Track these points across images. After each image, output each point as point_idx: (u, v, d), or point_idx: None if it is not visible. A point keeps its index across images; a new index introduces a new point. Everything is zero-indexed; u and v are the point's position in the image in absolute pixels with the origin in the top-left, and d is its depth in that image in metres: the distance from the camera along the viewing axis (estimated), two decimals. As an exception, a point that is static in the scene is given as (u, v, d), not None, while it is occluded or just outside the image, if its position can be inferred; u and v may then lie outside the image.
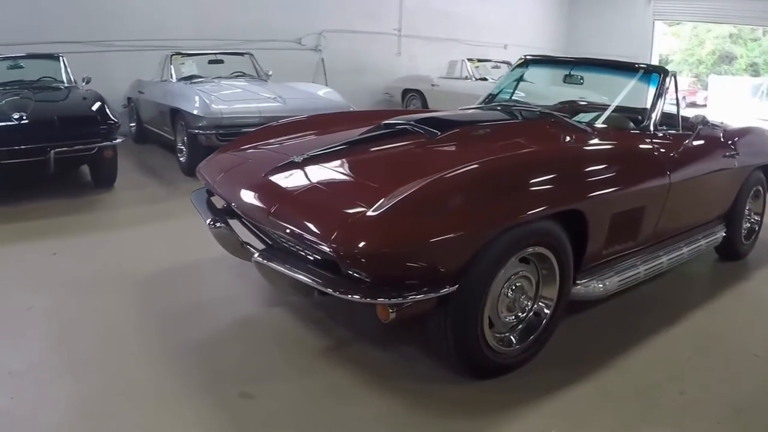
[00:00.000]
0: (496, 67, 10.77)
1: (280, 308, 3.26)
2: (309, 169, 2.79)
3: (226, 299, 3.38)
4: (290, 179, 2.73)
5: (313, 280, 2.32)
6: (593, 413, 2.41)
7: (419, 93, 10.91)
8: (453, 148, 2.86)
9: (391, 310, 2.22)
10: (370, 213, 2.24)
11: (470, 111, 3.84)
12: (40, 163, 5.14)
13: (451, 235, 2.20)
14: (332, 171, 2.74)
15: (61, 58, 6.86)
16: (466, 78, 10.54)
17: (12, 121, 5.05)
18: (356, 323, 3.06)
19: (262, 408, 2.41)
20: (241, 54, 8.04)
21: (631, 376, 2.66)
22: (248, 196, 2.78)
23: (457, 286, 2.26)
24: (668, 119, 3.49)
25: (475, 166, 2.38)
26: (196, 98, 6.15)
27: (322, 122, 3.81)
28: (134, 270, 3.77)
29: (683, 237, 3.49)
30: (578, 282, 2.84)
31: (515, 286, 2.56)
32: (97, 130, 5.40)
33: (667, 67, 3.48)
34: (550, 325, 2.72)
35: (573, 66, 3.80)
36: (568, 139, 3.11)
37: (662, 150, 3.16)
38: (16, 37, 7.89)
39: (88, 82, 6.70)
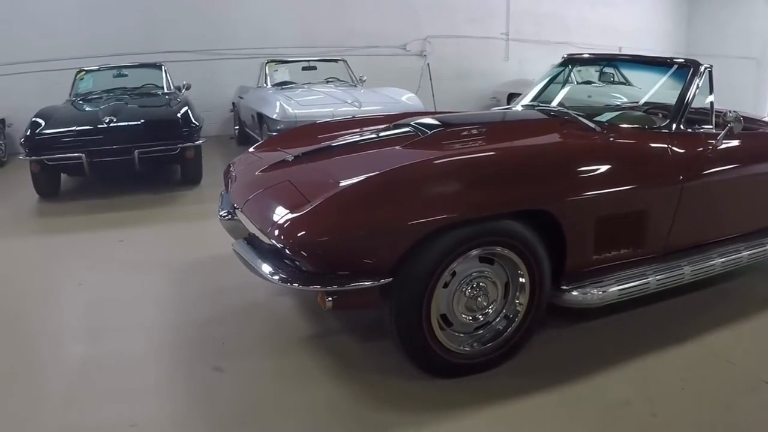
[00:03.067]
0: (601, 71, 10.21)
1: (287, 297, 3.42)
2: (292, 167, 2.91)
3: (244, 286, 3.58)
4: (271, 176, 2.86)
5: (260, 268, 2.43)
6: (543, 425, 2.29)
7: (524, 97, 10.63)
8: (429, 148, 2.83)
9: (328, 299, 2.28)
10: (309, 206, 2.31)
11: (497, 112, 3.76)
12: (126, 162, 5.73)
13: (383, 228, 2.21)
14: (308, 169, 2.85)
15: (162, 66, 7.55)
16: (570, 82, 10.09)
17: (102, 124, 5.73)
18: (348, 316, 3.13)
19: (225, 381, 2.62)
20: (335, 60, 8.33)
21: (603, 391, 2.48)
22: (236, 190, 2.96)
23: (391, 278, 2.26)
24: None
25: (420, 162, 2.37)
26: (277, 103, 6.51)
27: (359, 123, 3.91)
28: (180, 257, 4.16)
29: (716, 247, 3.16)
30: (565, 287, 2.70)
31: (478, 285, 2.49)
32: (179, 132, 5.91)
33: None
34: (520, 331, 2.60)
35: (607, 64, 3.59)
36: (561, 137, 2.95)
37: (679, 150, 2.90)
38: (133, 47, 8.79)
39: (187, 89, 7.34)
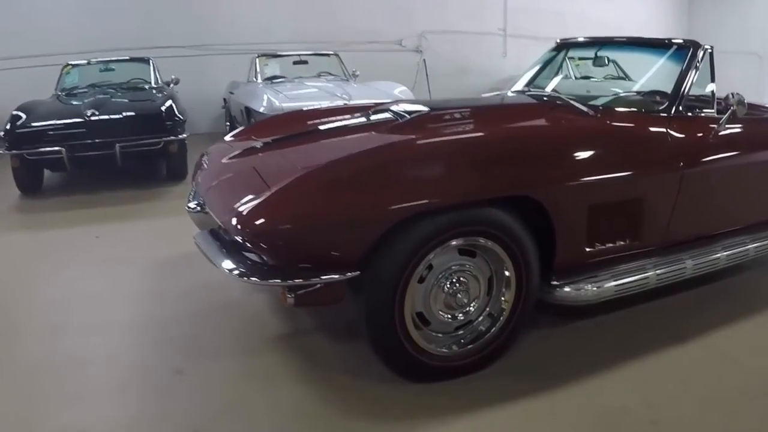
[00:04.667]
0: (600, 65, 9.98)
1: (264, 294, 3.23)
2: (260, 154, 2.71)
3: (219, 283, 3.35)
4: (236, 163, 2.67)
5: (218, 261, 2.22)
6: (531, 432, 2.07)
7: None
8: (407, 132, 2.61)
9: (289, 295, 2.07)
10: (268, 192, 2.10)
11: (484, 97, 3.54)
12: (108, 157, 5.54)
13: (349, 216, 2.00)
14: (276, 155, 2.64)
15: (150, 61, 7.37)
16: (567, 77, 9.87)
17: (83, 117, 5.54)
18: (325, 313, 2.92)
19: (185, 385, 2.41)
20: (327, 55, 8.13)
21: (597, 397, 2.26)
22: (201, 179, 2.76)
23: (359, 272, 2.05)
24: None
25: (392, 144, 2.16)
26: (264, 97, 6.32)
27: (346, 110, 3.68)
28: (158, 254, 3.96)
29: (720, 240, 2.94)
30: (556, 283, 2.48)
31: (458, 280, 2.27)
32: (162, 126, 5.72)
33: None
34: (505, 331, 2.39)
35: (601, 47, 3.37)
36: (551, 120, 2.73)
37: (678, 135, 2.68)
38: (126, 43, 8.60)
39: (176, 83, 7.17)
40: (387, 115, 2.97)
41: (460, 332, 2.37)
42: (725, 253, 2.90)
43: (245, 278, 2.09)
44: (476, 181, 2.15)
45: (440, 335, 2.33)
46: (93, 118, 5.55)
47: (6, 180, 5.89)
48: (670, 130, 2.68)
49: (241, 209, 2.11)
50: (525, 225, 2.30)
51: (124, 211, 5.25)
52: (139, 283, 3.50)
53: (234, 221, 2.09)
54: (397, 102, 3.29)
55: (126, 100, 6.22)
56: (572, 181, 2.32)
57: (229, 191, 2.37)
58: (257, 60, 7.79)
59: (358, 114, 3.23)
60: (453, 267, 2.26)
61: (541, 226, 2.35)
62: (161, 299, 3.25)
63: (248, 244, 2.07)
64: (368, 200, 2.02)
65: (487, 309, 2.40)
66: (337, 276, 2.04)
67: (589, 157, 2.40)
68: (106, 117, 5.62)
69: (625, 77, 3.61)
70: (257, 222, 2.04)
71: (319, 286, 2.05)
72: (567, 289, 2.50)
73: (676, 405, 2.21)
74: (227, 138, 3.40)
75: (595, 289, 2.52)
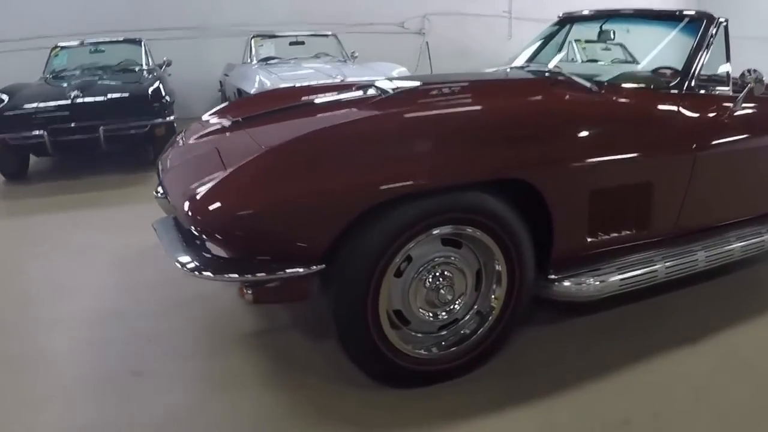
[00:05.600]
0: (607, 49, 9.64)
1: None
2: (226, 133, 2.46)
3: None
4: (201, 144, 2.42)
5: (172, 252, 1.98)
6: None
7: (527, 77, 10.12)
8: (388, 107, 2.35)
9: (247, 290, 1.82)
10: (222, 175, 1.85)
11: (479, 72, 3.27)
12: (92, 141, 5.32)
13: (313, 201, 1.76)
14: (242, 134, 2.38)
15: (142, 42, 7.11)
16: (573, 60, 9.54)
17: (66, 99, 5.31)
18: (303, 307, 2.68)
19: (141, 388, 2.20)
20: (325, 35, 7.86)
21: (596, 406, 2.01)
22: (163, 162, 2.51)
23: (324, 265, 1.81)
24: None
25: (364, 119, 1.90)
26: (256, 78, 6.09)
27: (339, 87, 3.42)
28: (135, 242, 3.71)
29: (734, 229, 2.67)
30: (554, 277, 2.23)
31: (441, 274, 2.02)
32: (148, 108, 5.49)
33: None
34: (495, 331, 2.14)
35: (607, 20, 3.09)
36: (549, 96, 2.46)
37: (691, 114, 2.41)
38: (120, 25, 8.34)
39: (168, 65, 6.95)
40: (371, 91, 2.71)
41: (444, 332, 2.13)
42: (740, 244, 2.65)
43: (197, 273, 1.85)
44: (465, 162, 1.89)
45: (420, 335, 2.09)
46: (77, 100, 5.33)
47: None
48: (682, 108, 2.41)
49: (191, 194, 1.87)
50: (519, 212, 2.04)
51: (107, 196, 5.05)
52: (109, 273, 3.28)
53: (184, 208, 1.85)
54: (387, 78, 3.02)
55: (113, 82, 5.98)
56: (572, 163, 2.07)
57: (185, 174, 2.13)
58: (252, 41, 7.53)
59: (345, 91, 2.97)
60: (436, 259, 2.01)
61: (537, 214, 2.09)
62: (130, 291, 3.03)
63: (200, 234, 1.82)
64: (334, 182, 1.77)
65: (476, 307, 2.16)
66: (301, 270, 1.80)
67: (592, 136, 2.14)
68: (90, 99, 5.41)
69: (633, 60, 3.35)
70: (208, 208, 1.79)
71: (279, 281, 1.80)
72: (566, 283, 2.25)
73: (686, 415, 1.97)
74: (204, 117, 3.15)
75: (597, 283, 2.27)
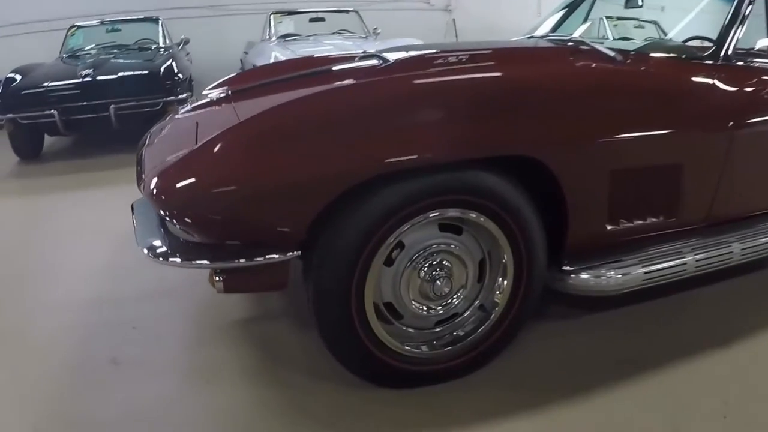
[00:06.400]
0: (640, 27, 9.19)
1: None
2: (215, 106, 2.27)
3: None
4: (186, 118, 2.23)
5: (138, 235, 1.81)
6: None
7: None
8: (379, 75, 2.11)
9: (217, 278, 1.64)
10: (191, 150, 1.66)
11: (493, 41, 3.01)
12: (104, 119, 5.23)
13: (288, 179, 1.55)
14: (228, 108, 2.19)
15: (159, 20, 7.00)
16: (604, 38, 9.12)
17: (77, 78, 5.22)
18: (294, 296, 2.49)
19: (117, 378, 2.06)
20: (346, 11, 7.62)
21: (611, 417, 1.78)
22: (146, 140, 2.33)
23: (300, 251, 1.61)
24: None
25: (348, 88, 1.68)
26: (273, 55, 5.90)
27: (336, 60, 3.19)
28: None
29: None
30: (569, 268, 1.99)
31: (439, 264, 1.80)
32: (160, 86, 5.37)
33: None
34: (499, 329, 1.92)
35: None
36: (567, 65, 2.20)
37: (727, 88, 2.13)
38: (139, 5, 8.21)
39: (186, 44, 6.85)
40: (373, 61, 2.49)
41: (442, 329, 1.91)
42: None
43: (160, 260, 1.67)
44: (465, 135, 1.66)
45: (412, 330, 1.87)
46: (87, 79, 5.24)
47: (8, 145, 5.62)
48: (717, 81, 2.13)
49: (157, 172, 1.68)
50: (530, 196, 1.81)
51: (117, 176, 4.91)
52: (109, 254, 3.17)
53: (148, 187, 1.66)
54: (395, 49, 2.78)
55: (126, 61, 5.88)
56: (589, 139, 1.82)
57: (159, 151, 1.94)
58: (271, 17, 7.35)
59: (347, 62, 2.75)
60: (433, 246, 1.79)
61: (551, 198, 1.86)
62: (123, 274, 2.88)
63: (166, 216, 1.63)
64: (312, 159, 1.56)
65: (478, 301, 1.93)
66: (275, 256, 1.60)
67: (613, 109, 1.88)
68: (101, 77, 5.32)
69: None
70: (170, 187, 1.61)
71: (251, 268, 1.61)
72: (584, 276, 2.01)
73: (720, 421, 1.72)
74: (204, 91, 2.97)
75: (618, 276, 2.02)
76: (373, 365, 1.79)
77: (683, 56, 2.33)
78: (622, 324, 2.25)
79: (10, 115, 5.19)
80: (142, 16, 7.14)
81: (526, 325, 2.05)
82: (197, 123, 2.02)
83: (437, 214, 1.71)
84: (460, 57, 2.22)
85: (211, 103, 2.34)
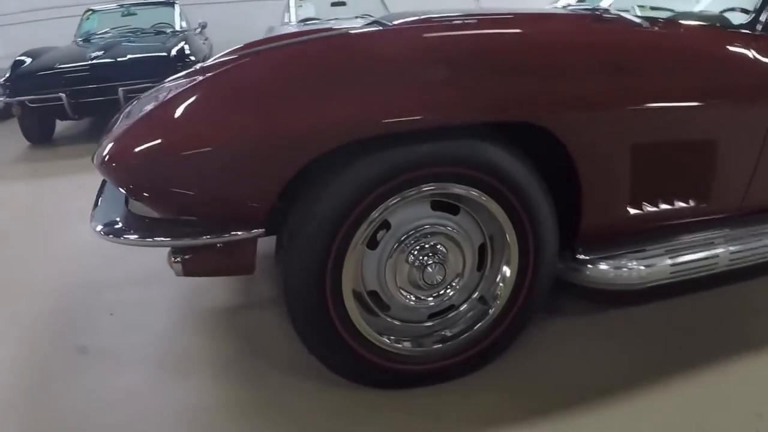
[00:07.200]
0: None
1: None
2: (187, 78, 2.06)
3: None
4: (165, 86, 2.02)
5: (93, 213, 1.62)
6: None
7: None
8: (372, 35, 1.89)
9: (174, 259, 1.44)
10: (146, 112, 1.46)
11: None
12: (113, 102, 5.10)
13: (248, 143, 1.34)
14: (199, 73, 1.98)
15: (175, 4, 6.89)
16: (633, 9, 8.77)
17: (86, 61, 5.11)
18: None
19: (80, 367, 1.90)
20: (371, -5, 7.42)
21: (641, 423, 1.54)
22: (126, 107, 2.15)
23: (264, 229, 1.40)
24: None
25: (326, 39, 1.46)
26: (287, 37, 5.68)
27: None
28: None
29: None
30: (584, 257, 1.76)
31: (431, 248, 1.58)
32: (171, 69, 5.18)
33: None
34: (501, 325, 1.69)
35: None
36: (587, 29, 1.94)
37: (766, 59, 1.86)
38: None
39: (204, 28, 6.74)
40: (373, 27, 2.26)
41: (435, 322, 1.69)
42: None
43: (110, 237, 1.48)
44: (462, 97, 1.43)
45: (398, 323, 1.66)
46: (95, 61, 5.12)
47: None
48: (755, 51, 1.86)
49: (111, 138, 1.48)
50: (534, 170, 1.58)
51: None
52: (93, 239, 3.00)
53: (103, 154, 1.46)
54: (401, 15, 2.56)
55: (138, 44, 5.76)
56: (605, 107, 1.58)
57: (126, 118, 1.74)
58: (291, 1, 7.18)
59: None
60: (425, 227, 1.57)
61: (560, 174, 1.63)
62: (110, 257, 2.71)
63: (121, 186, 1.44)
64: (278, 120, 1.35)
65: (478, 292, 1.71)
66: (239, 233, 1.40)
67: (634, 74, 1.64)
68: (110, 60, 5.20)
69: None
70: (115, 153, 1.42)
71: (208, 248, 1.41)
72: (603, 266, 1.77)
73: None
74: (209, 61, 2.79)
75: (642, 268, 1.78)
76: (354, 362, 1.57)
77: (717, 24, 2.07)
78: (644, 323, 2.00)
79: (18, 98, 5.11)
80: (158, 1, 7.02)
81: (533, 322, 1.81)
82: (174, 86, 1.82)
83: (430, 189, 1.48)
84: (466, 20, 1.98)
85: (188, 74, 2.14)
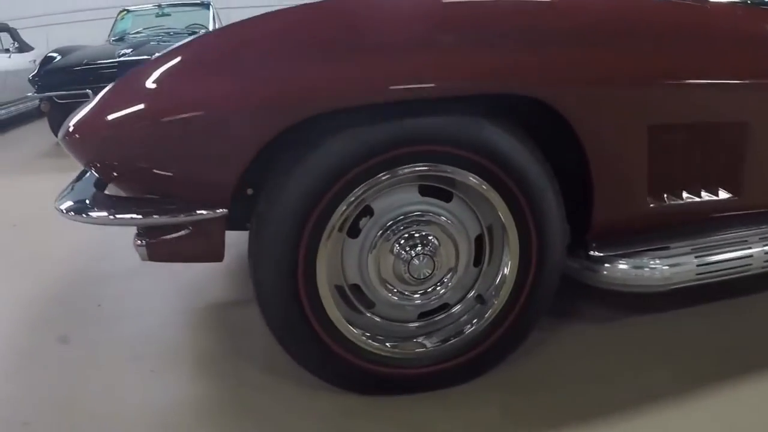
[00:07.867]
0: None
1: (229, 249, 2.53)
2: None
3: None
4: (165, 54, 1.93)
5: (61, 193, 1.52)
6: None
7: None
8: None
9: (139, 242, 1.32)
10: (118, 84, 1.36)
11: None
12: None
13: (212, 111, 1.21)
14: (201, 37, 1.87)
15: (210, 5, 6.92)
16: None
17: (114, 58, 5.17)
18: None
19: (57, 356, 1.82)
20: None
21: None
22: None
23: (225, 210, 1.27)
24: None
25: (292, 12, 1.32)
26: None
27: None
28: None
29: None
30: (597, 254, 1.58)
31: (421, 238, 1.42)
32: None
33: None
34: (501, 327, 1.51)
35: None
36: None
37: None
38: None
39: (237, 28, 6.70)
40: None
41: (425, 322, 1.53)
42: None
43: (71, 215, 1.38)
44: (452, 65, 1.27)
45: (383, 321, 1.50)
46: (123, 58, 5.14)
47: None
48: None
49: (77, 111, 1.38)
50: (538, 152, 1.41)
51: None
52: (106, 231, 2.95)
53: (62, 128, 1.37)
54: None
55: (170, 43, 5.78)
56: (614, 82, 1.40)
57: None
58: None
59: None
60: (414, 214, 1.42)
61: (569, 159, 1.46)
62: (115, 251, 2.65)
63: (78, 158, 1.34)
64: (242, 89, 1.23)
65: (475, 290, 1.54)
66: (204, 212, 1.27)
67: (659, 51, 1.45)
68: (138, 57, 5.17)
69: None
70: (80, 125, 1.31)
71: (170, 228, 1.29)
72: (621, 266, 1.58)
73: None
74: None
75: (665, 268, 1.58)
76: (333, 364, 1.42)
77: (748, 1, 1.87)
78: (665, 330, 1.80)
79: (47, 94, 5.17)
80: (193, 2, 7.06)
81: (540, 326, 1.63)
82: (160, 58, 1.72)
83: (408, 171, 1.32)
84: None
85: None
